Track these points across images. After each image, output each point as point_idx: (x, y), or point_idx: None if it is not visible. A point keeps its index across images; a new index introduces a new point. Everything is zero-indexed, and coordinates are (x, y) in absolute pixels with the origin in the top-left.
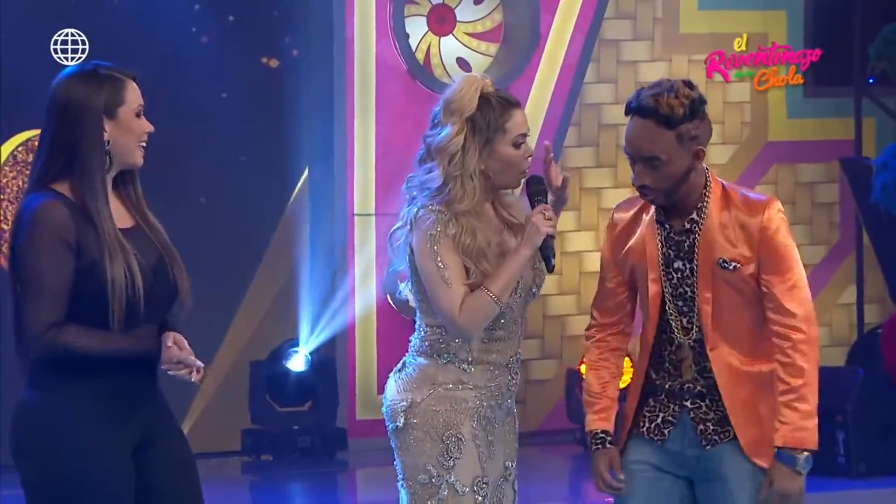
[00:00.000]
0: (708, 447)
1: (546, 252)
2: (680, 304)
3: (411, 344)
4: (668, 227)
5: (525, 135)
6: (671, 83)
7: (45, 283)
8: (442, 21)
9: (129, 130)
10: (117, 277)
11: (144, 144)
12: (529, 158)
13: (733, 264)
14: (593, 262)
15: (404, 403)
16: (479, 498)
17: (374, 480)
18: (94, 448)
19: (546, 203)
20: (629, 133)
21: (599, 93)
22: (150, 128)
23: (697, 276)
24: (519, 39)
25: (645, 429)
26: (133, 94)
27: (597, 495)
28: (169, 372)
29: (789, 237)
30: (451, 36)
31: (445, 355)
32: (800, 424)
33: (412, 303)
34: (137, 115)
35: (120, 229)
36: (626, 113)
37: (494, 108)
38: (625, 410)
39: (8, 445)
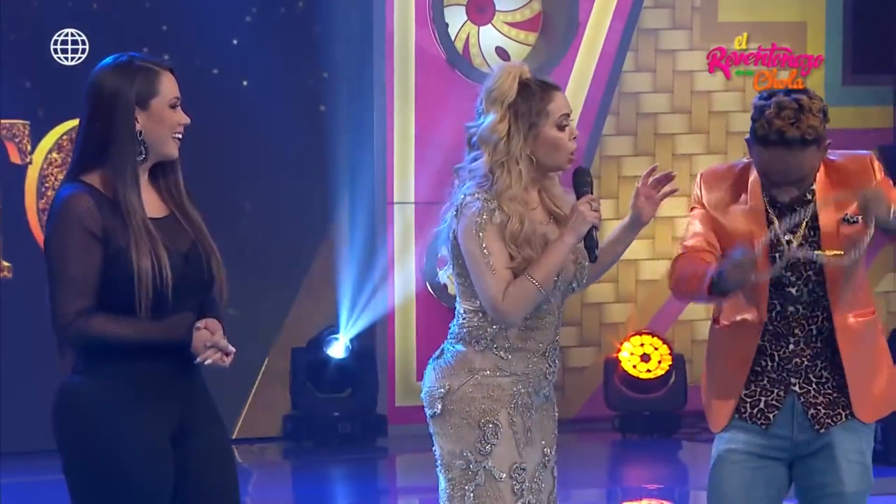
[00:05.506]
0: (822, 430)
1: (589, 242)
2: (788, 273)
3: (450, 331)
4: (777, 202)
5: (568, 115)
6: (795, 101)
7: (70, 272)
8: (481, 10)
9: (161, 122)
10: (144, 266)
11: (180, 136)
12: (575, 139)
13: (854, 217)
14: (631, 252)
15: (442, 390)
16: (517, 484)
17: (414, 466)
18: (128, 433)
19: (592, 194)
20: (773, 163)
21: (637, 82)
22: (185, 120)
23: (821, 240)
24: (557, 28)
25: (748, 414)
26: (168, 86)
27: (634, 482)
28: (199, 358)
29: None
30: (489, 25)
31: (483, 342)
32: None
33: (452, 288)
34: (172, 107)
35: (153, 219)
36: (762, 144)
37: (534, 92)
38: (722, 393)
39: (51, 430)
